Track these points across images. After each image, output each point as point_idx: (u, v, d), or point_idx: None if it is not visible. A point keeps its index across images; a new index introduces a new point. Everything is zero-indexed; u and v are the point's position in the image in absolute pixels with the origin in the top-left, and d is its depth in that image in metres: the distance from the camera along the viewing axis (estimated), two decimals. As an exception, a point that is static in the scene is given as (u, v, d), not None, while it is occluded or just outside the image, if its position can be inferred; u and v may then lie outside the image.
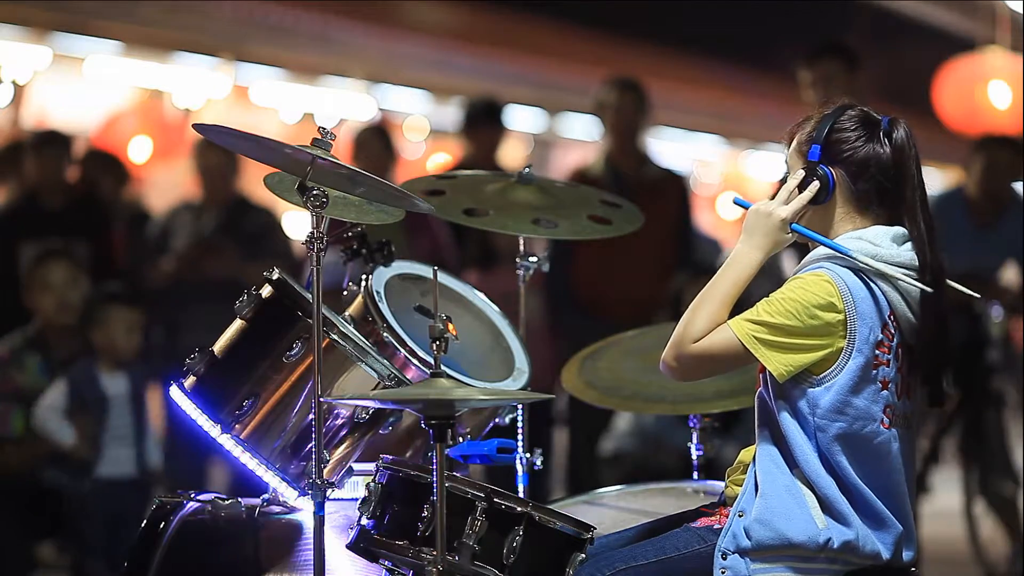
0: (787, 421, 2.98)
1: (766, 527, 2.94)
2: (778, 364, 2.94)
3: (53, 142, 6.99)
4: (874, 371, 2.96)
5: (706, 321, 2.98)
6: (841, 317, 2.94)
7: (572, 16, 11.38)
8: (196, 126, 3.28)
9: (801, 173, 3.05)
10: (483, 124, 7.09)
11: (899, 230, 3.03)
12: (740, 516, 3.00)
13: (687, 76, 12.73)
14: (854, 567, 2.99)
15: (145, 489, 5.72)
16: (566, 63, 11.66)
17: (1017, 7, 10.30)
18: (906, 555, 3.04)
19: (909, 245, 3.02)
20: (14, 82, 9.42)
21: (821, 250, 3.03)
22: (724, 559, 2.97)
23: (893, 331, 3.00)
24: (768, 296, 3.00)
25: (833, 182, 3.04)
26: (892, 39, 12.79)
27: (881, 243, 3.00)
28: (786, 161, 3.16)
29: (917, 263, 3.01)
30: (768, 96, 12.17)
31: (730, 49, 12.48)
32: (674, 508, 3.45)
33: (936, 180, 17.65)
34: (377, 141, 7.03)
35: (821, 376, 2.95)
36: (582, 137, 12.48)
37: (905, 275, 2.99)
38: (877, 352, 2.96)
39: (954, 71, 9.32)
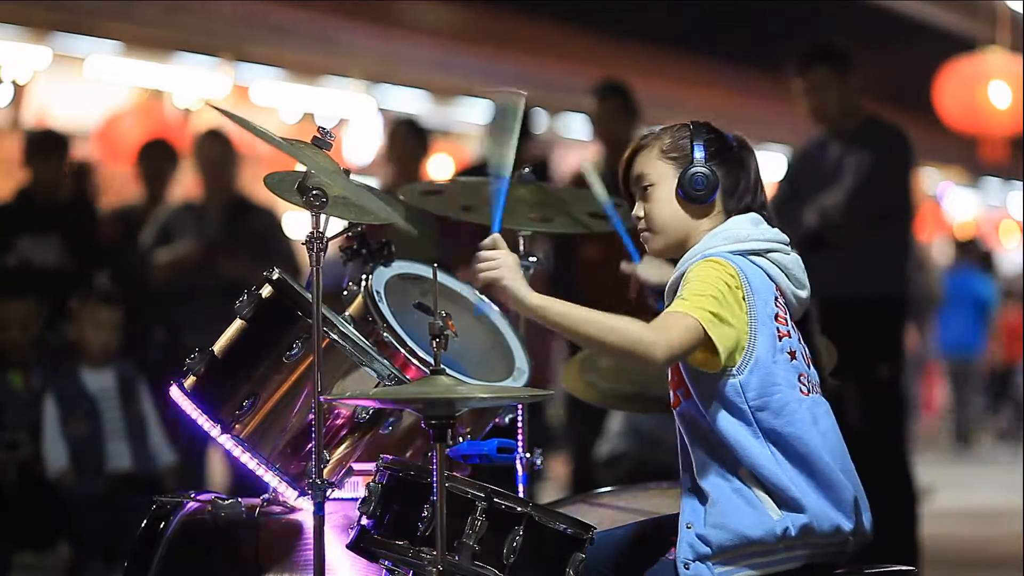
0: (723, 421, 3.01)
1: (723, 530, 2.97)
2: (724, 341, 2.96)
3: (49, 143, 6.96)
4: (779, 342, 3.03)
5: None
6: (742, 293, 3.02)
7: (572, 16, 11.37)
8: (212, 106, 3.34)
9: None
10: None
11: (754, 215, 3.14)
12: (689, 528, 3.02)
13: (687, 76, 12.72)
14: (818, 550, 3.01)
15: (148, 486, 5.56)
16: (566, 63, 11.64)
17: (1017, 7, 10.29)
18: (866, 520, 3.06)
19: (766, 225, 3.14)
20: (14, 82, 9.41)
21: (701, 245, 3.09)
22: (687, 568, 2.99)
23: (783, 303, 3.08)
24: (687, 284, 3.02)
25: (717, 179, 3.13)
26: (892, 39, 12.77)
27: (743, 227, 3.10)
28: (641, 171, 3.18)
29: (784, 236, 3.12)
30: (768, 96, 12.15)
31: (730, 49, 12.46)
32: (673, 508, 3.45)
33: (936, 180, 17.69)
34: (409, 135, 7.01)
35: (740, 362, 3.00)
36: (582, 137, 12.47)
37: (778, 247, 3.10)
38: (777, 324, 3.04)
39: (954, 71, 9.32)
